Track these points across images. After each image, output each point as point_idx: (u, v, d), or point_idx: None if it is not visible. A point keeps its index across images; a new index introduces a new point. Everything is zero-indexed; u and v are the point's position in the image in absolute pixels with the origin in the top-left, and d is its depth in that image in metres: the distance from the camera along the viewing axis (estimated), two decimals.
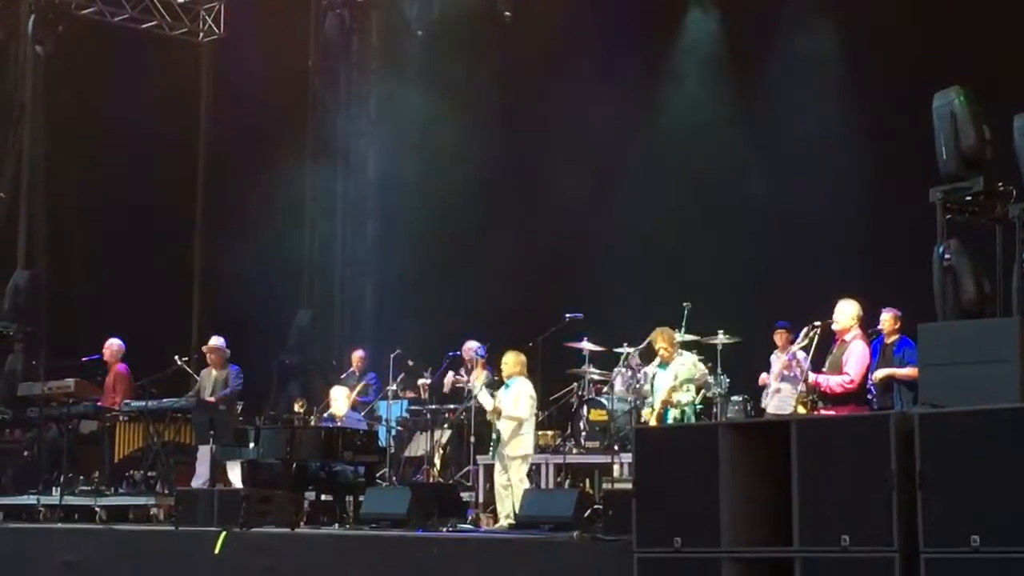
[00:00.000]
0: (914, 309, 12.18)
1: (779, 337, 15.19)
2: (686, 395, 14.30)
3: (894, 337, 13.52)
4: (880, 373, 13.24)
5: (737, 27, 18.42)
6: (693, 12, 18.96)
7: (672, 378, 14.44)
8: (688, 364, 14.53)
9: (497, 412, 14.29)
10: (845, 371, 13.11)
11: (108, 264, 20.22)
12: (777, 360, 14.93)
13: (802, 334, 13.83)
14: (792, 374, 14.34)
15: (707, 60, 18.68)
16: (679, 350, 14.69)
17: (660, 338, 14.60)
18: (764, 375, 15.13)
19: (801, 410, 13.35)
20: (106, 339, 17.47)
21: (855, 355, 13.13)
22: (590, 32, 19.15)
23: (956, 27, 15.69)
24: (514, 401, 14.24)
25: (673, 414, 14.25)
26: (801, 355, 14.04)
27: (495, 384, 15.14)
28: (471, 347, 17.01)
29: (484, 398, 14.71)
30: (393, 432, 17.08)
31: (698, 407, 14.48)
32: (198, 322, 21.62)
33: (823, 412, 12.93)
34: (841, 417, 11.00)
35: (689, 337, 15.12)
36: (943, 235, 10.45)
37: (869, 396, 13.30)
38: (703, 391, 14.65)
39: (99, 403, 16.76)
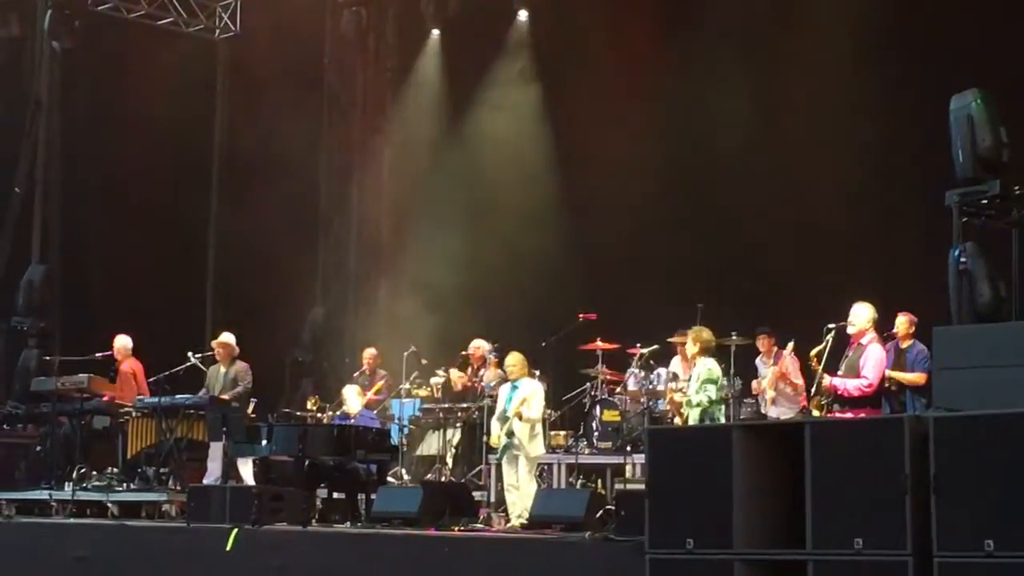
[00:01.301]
0: (929, 312, 12.14)
1: (762, 342, 15.27)
2: (703, 395, 14.24)
3: (908, 342, 13.49)
4: (888, 373, 13.20)
5: (751, 33, 18.36)
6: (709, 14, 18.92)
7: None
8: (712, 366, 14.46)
9: (518, 415, 14.29)
10: (863, 375, 13.07)
11: (122, 260, 20.24)
12: (763, 365, 15.01)
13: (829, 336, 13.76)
14: (786, 390, 14.47)
15: (725, 61, 18.61)
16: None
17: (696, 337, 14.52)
18: (755, 382, 15.19)
19: (816, 413, 13.33)
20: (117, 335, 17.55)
21: (872, 358, 13.08)
22: (605, 30, 19.10)
23: (973, 29, 15.63)
24: (529, 403, 14.28)
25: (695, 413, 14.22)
26: (790, 367, 14.15)
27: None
28: (479, 346, 17.02)
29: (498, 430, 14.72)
30: (405, 431, 17.07)
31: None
32: (212, 318, 21.64)
33: (838, 415, 12.90)
34: (855, 420, 10.96)
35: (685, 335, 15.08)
36: (959, 238, 10.43)
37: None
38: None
39: (110, 399, 16.79)
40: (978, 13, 15.66)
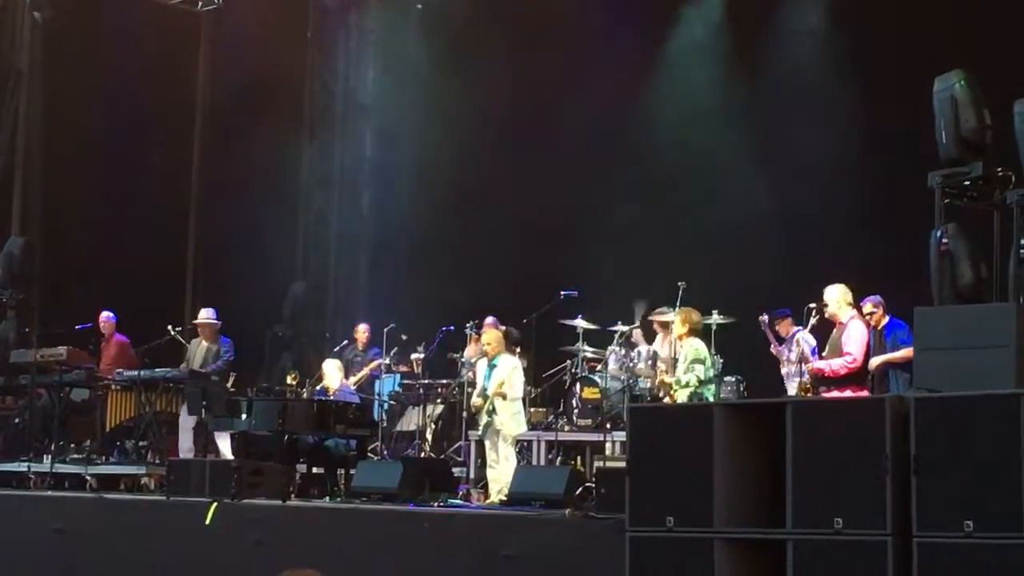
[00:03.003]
0: (911, 293, 12.15)
1: (784, 326, 15.14)
2: (691, 375, 14.25)
3: (883, 322, 13.49)
4: (875, 361, 13.20)
5: (737, 13, 18.35)
6: None
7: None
8: (699, 346, 14.45)
9: (502, 395, 14.29)
10: (846, 351, 13.09)
11: (103, 232, 20.17)
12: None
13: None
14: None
15: (707, 43, 18.61)
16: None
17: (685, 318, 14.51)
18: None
19: (801, 395, 13.31)
20: (102, 309, 17.51)
21: (853, 335, 13.13)
22: (591, 9, 19.07)
23: (958, 10, 15.65)
24: (508, 380, 14.28)
25: (684, 394, 14.23)
26: (807, 340, 14.01)
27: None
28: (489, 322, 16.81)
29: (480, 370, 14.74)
30: (385, 406, 17.07)
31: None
32: (192, 292, 21.60)
33: (825, 394, 12.90)
34: (836, 399, 11.02)
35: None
36: (941, 219, 10.43)
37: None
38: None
39: (96, 372, 16.79)
40: None
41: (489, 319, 16.58)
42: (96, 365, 17.07)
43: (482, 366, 14.79)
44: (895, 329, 13.29)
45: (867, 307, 13.50)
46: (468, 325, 17.07)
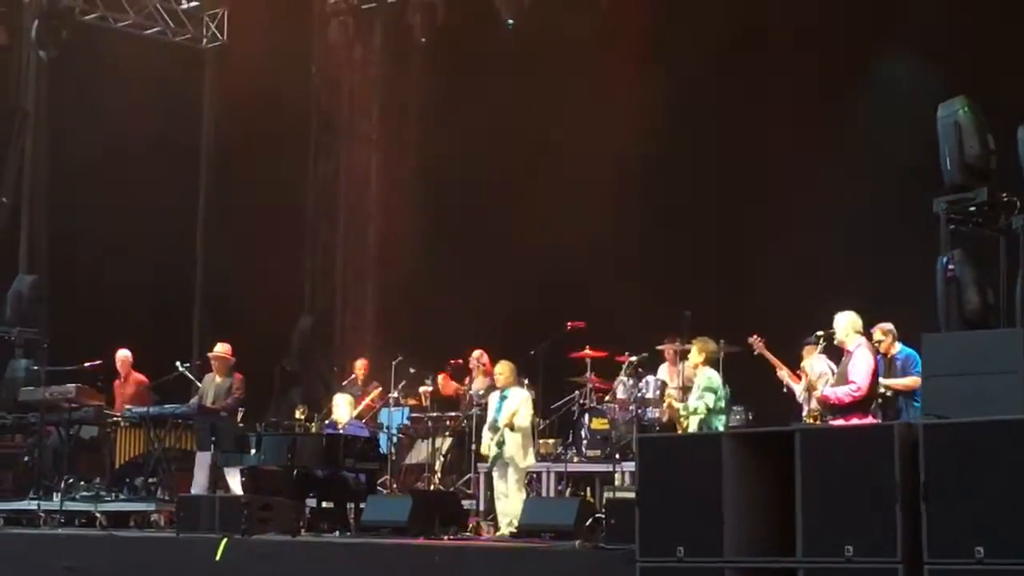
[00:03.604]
0: (918, 320, 12.15)
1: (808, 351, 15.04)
2: (700, 403, 14.28)
3: (894, 349, 13.48)
4: (883, 381, 13.18)
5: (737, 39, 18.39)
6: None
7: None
8: (712, 375, 14.49)
9: (510, 426, 14.31)
10: (851, 379, 13.06)
11: (110, 269, 20.20)
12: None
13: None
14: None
15: (706, 61, 18.62)
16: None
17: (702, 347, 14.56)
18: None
19: (809, 423, 13.30)
20: (110, 346, 17.54)
21: (859, 363, 13.08)
22: (590, 39, 19.12)
23: (962, 34, 15.69)
24: (518, 413, 14.30)
25: (694, 422, 14.25)
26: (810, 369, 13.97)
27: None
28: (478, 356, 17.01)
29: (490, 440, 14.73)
30: (394, 439, 17.07)
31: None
32: (199, 328, 21.62)
33: (831, 422, 12.88)
34: (845, 427, 11.01)
35: (690, 346, 15.09)
36: (947, 245, 10.45)
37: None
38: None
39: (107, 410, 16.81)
40: (964, 20, 15.72)
41: (476, 352, 16.69)
42: (108, 403, 17.08)
43: (494, 399, 14.80)
44: (907, 356, 13.27)
45: (877, 334, 13.48)
46: (474, 357, 17.12)
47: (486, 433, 14.65)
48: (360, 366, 18.50)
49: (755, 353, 14.84)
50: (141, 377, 17.56)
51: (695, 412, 14.27)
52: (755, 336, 14.79)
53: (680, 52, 18.35)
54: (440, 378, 17.59)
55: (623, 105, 18.43)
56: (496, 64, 20.20)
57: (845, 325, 13.27)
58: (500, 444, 14.36)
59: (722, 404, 14.41)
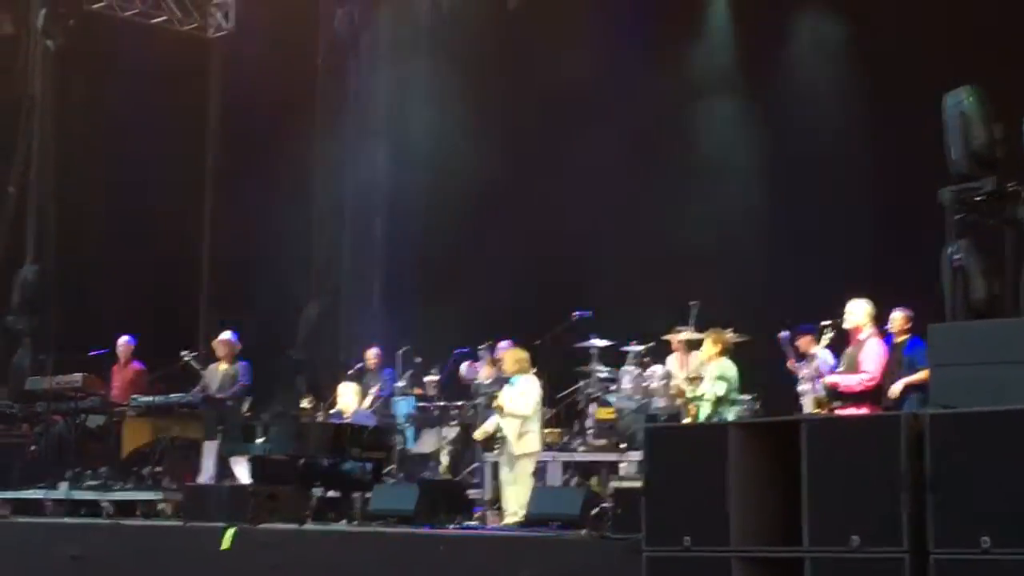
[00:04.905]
0: (924, 309, 12.15)
1: (805, 343, 15.04)
2: (712, 390, 14.31)
3: (904, 337, 13.45)
4: (897, 388, 13.04)
5: (751, 31, 18.38)
6: (709, 9, 18.93)
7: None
8: (727, 365, 14.51)
9: (500, 409, 14.31)
10: (863, 369, 13.04)
11: (116, 258, 20.23)
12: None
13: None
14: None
15: (718, 56, 18.64)
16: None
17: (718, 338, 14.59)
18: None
19: (817, 410, 13.29)
20: (117, 335, 17.56)
21: (872, 353, 13.07)
22: (599, 26, 19.10)
23: (966, 25, 15.66)
24: (517, 398, 14.26)
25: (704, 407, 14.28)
26: (823, 357, 13.96)
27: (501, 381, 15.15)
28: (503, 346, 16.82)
29: (490, 425, 14.72)
30: (408, 430, 17.07)
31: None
32: (205, 317, 21.64)
33: (840, 412, 12.87)
34: (852, 417, 11.00)
35: (697, 336, 15.09)
36: (953, 235, 10.44)
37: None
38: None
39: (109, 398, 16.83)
40: (969, 10, 15.70)
41: (503, 343, 16.59)
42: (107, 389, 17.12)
43: (506, 387, 14.76)
44: (916, 347, 13.23)
45: (898, 316, 13.36)
46: (482, 347, 17.09)
47: (491, 420, 14.61)
48: (372, 355, 18.48)
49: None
50: (139, 365, 17.58)
51: (705, 398, 14.27)
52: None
53: (685, 44, 18.39)
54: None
55: (628, 92, 18.46)
56: (501, 50, 20.18)
57: (863, 312, 13.24)
58: (501, 431, 14.36)
59: (735, 395, 14.42)
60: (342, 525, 13.80)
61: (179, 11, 22.13)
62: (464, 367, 17.40)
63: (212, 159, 22.38)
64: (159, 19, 21.99)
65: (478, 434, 14.79)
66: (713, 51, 18.79)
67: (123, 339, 17.62)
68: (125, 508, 15.52)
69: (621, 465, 14.71)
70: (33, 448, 17.05)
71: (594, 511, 12.23)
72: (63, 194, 20.39)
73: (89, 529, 14.22)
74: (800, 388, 14.54)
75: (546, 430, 15.66)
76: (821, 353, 13.99)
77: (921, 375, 12.89)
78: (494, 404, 14.39)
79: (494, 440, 14.56)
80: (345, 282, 22.77)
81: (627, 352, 15.88)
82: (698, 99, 18.53)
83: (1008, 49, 15.13)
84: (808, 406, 14.10)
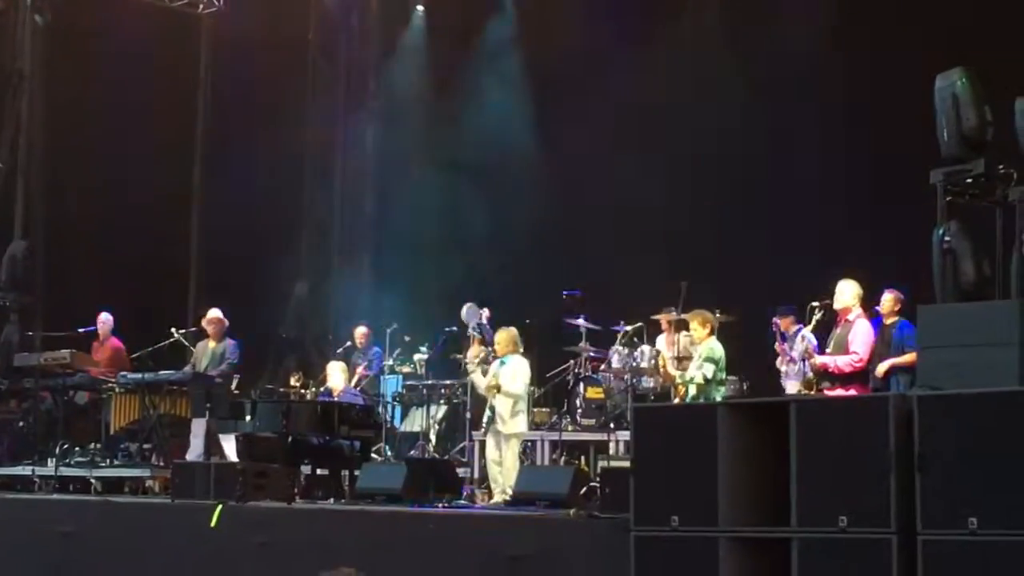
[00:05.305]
0: (913, 291, 12.16)
1: (786, 323, 15.03)
2: (699, 372, 14.33)
3: (893, 319, 13.49)
4: (883, 367, 13.15)
5: (738, 11, 18.37)
6: None
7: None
8: (715, 346, 14.52)
9: (496, 388, 14.34)
10: (852, 350, 13.07)
11: (105, 235, 20.18)
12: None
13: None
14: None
15: (707, 36, 18.60)
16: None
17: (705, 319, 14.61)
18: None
19: (805, 391, 13.31)
20: (106, 311, 17.54)
21: (860, 334, 13.11)
22: (591, 5, 19.07)
23: (959, 6, 15.65)
24: (511, 378, 14.30)
25: (691, 390, 14.31)
26: (810, 338, 13.96)
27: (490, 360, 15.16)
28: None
29: (477, 377, 14.83)
30: (389, 407, 17.07)
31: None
32: (195, 294, 21.60)
33: (828, 392, 12.89)
34: (840, 398, 11.00)
35: (685, 316, 15.10)
36: (943, 217, 10.42)
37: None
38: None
39: (100, 372, 16.81)
40: None
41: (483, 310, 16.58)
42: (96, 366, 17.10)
43: (495, 366, 14.77)
44: (905, 329, 13.26)
45: (889, 297, 13.42)
46: (471, 326, 17.08)
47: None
48: (360, 333, 18.46)
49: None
50: (117, 342, 17.56)
51: (692, 381, 14.30)
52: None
53: (678, 22, 18.37)
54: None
55: (620, 70, 18.44)
56: (492, 30, 20.16)
57: (854, 292, 13.27)
58: (492, 409, 14.39)
59: (722, 376, 14.45)
60: (330, 503, 13.82)
61: None
62: (465, 311, 17.14)
63: (202, 135, 22.30)
64: None
65: (489, 383, 14.63)
66: (704, 25, 18.74)
67: (102, 315, 17.58)
68: (113, 485, 15.52)
69: (610, 444, 14.73)
70: (21, 424, 17.03)
71: (582, 490, 12.26)
72: (52, 170, 20.33)
73: (78, 506, 14.22)
74: (783, 368, 14.51)
75: (535, 409, 15.71)
76: (807, 334, 13.99)
77: (907, 358, 12.94)
78: (490, 384, 14.40)
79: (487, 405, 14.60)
80: (335, 260, 22.76)
81: (616, 332, 15.90)
82: (689, 75, 18.46)
83: (1001, 29, 15.12)
84: (791, 387, 14.11)
